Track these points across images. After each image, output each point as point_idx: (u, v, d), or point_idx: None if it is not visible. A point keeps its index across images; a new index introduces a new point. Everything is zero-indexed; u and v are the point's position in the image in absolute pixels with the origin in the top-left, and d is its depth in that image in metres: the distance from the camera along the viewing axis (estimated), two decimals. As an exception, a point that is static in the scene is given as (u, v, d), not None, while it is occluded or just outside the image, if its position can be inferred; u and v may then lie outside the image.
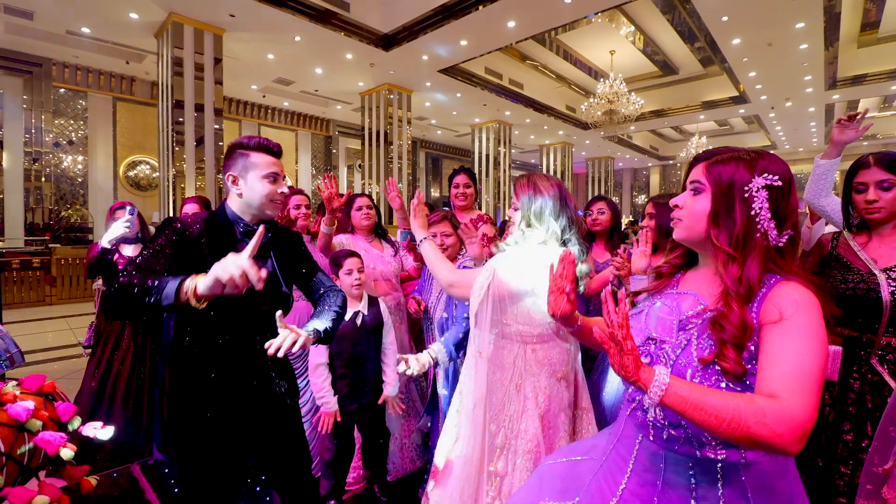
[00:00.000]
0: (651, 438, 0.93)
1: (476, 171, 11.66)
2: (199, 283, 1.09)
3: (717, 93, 10.25)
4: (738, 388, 0.79)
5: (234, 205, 1.43)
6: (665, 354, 0.88)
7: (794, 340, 0.78)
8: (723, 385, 0.80)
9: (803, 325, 0.79)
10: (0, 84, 7.70)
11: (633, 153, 16.36)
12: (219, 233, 1.39)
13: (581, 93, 10.35)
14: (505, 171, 11.91)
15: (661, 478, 0.90)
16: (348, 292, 2.07)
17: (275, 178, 1.41)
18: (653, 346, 0.93)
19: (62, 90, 8.18)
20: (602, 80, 8.73)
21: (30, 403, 1.09)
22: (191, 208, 2.86)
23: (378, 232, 2.69)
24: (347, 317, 2.06)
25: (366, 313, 2.11)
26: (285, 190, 1.43)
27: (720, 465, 0.84)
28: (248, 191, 1.39)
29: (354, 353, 2.08)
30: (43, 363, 4.46)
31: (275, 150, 1.44)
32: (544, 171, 14.24)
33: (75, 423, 1.17)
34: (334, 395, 2.03)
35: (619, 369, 0.81)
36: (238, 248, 1.29)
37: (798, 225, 0.89)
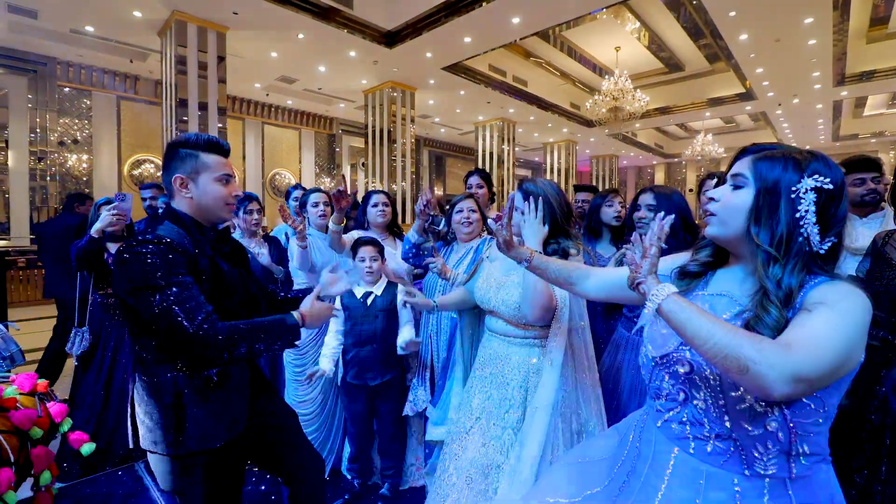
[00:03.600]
0: (691, 452, 0.87)
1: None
2: (308, 319, 1.31)
3: (723, 89, 10.15)
4: None
5: (184, 208, 1.32)
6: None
7: (825, 315, 0.74)
8: None
9: (842, 308, 0.74)
10: (5, 83, 7.72)
11: (638, 151, 16.25)
12: (200, 240, 1.32)
13: (586, 90, 10.29)
14: (508, 169, 11.86)
15: (700, 495, 0.84)
16: (361, 277, 2.22)
17: (227, 179, 1.34)
18: (688, 353, 0.87)
19: (66, 89, 8.20)
20: (607, 76, 8.66)
21: (31, 412, 1.08)
22: None
23: (393, 230, 2.70)
24: (359, 296, 2.22)
25: (378, 294, 2.21)
26: (239, 193, 1.39)
27: (768, 479, 0.80)
28: (200, 194, 1.30)
29: (361, 331, 2.19)
30: (47, 361, 4.47)
31: (225, 149, 1.36)
32: (548, 170, 14.20)
33: (66, 425, 1.15)
34: (335, 363, 2.20)
35: (637, 269, 0.88)
36: (207, 253, 1.30)
37: (843, 235, 0.83)
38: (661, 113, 11.81)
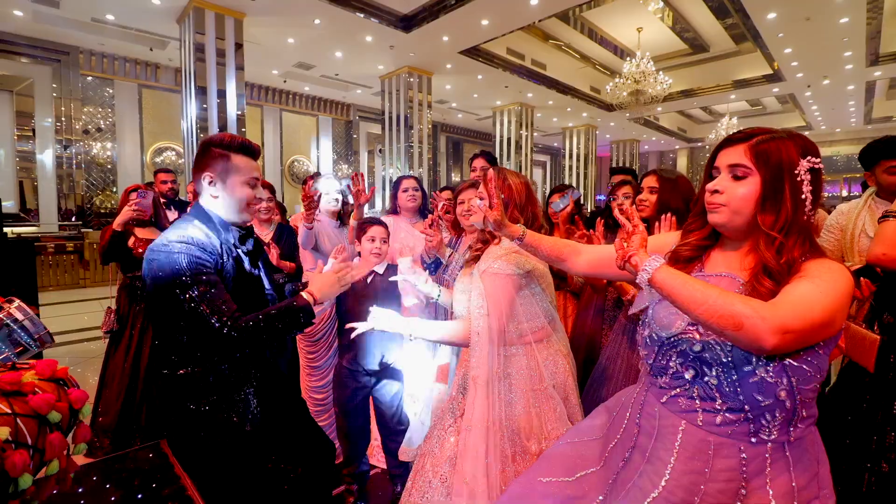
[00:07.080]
0: (699, 424, 0.91)
1: (497, 155, 11.51)
2: (317, 294, 1.36)
3: (749, 71, 9.82)
4: (773, 362, 0.82)
5: (211, 207, 1.36)
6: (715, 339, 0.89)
7: (809, 283, 0.82)
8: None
9: (825, 278, 0.82)
10: (30, 72, 7.90)
11: (660, 135, 15.89)
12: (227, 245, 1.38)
13: (606, 73, 10.05)
14: (527, 154, 11.73)
15: (709, 465, 0.88)
16: (366, 258, 2.14)
17: (255, 182, 1.37)
18: (697, 333, 0.91)
19: (90, 78, 8.35)
20: (628, 59, 8.44)
21: (50, 396, 1.10)
22: None
23: (423, 214, 2.69)
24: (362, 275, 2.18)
25: (380, 273, 2.16)
26: (262, 196, 1.43)
27: (770, 444, 0.86)
28: (226, 195, 1.34)
29: (360, 311, 2.12)
30: (79, 343, 4.66)
31: (256, 152, 1.39)
32: (567, 155, 13.99)
33: (86, 411, 1.19)
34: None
35: (628, 246, 0.93)
36: (231, 253, 1.36)
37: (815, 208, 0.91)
38: (685, 96, 11.51)
